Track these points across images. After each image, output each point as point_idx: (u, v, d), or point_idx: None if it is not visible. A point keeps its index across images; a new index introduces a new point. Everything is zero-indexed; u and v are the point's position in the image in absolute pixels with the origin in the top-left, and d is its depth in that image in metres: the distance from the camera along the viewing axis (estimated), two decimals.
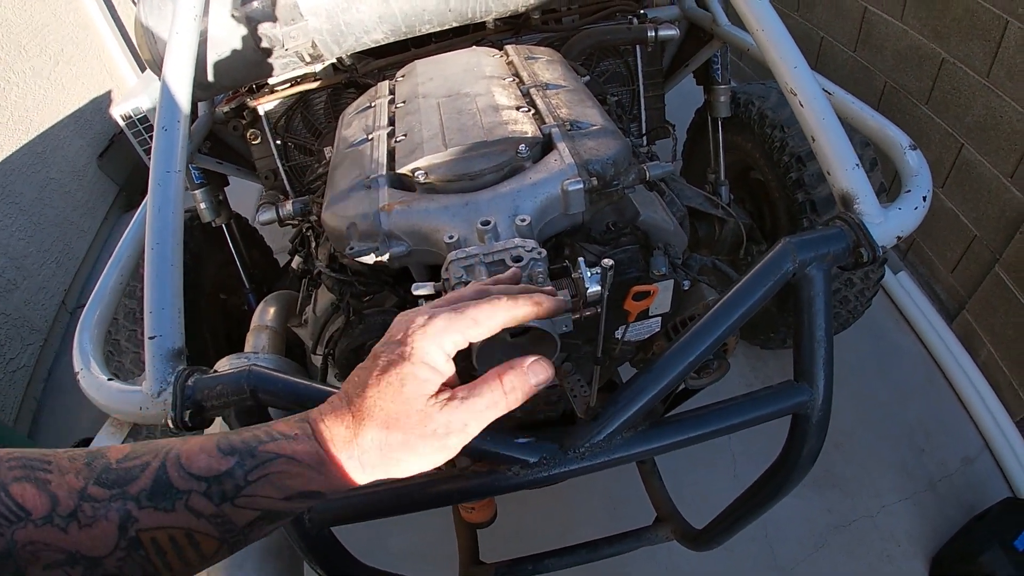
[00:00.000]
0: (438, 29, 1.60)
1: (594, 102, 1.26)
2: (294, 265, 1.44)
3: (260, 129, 1.81)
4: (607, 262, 0.91)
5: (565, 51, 1.73)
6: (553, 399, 1.39)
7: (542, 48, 1.51)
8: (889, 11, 2.54)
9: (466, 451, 0.92)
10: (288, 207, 1.88)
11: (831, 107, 1.08)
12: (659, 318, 1.30)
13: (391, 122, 1.29)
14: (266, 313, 1.60)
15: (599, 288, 0.92)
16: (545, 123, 1.15)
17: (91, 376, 1.10)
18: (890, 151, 1.16)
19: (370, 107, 1.38)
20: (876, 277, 1.97)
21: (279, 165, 1.86)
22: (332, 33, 1.47)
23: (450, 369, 0.60)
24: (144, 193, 1.89)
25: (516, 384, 0.62)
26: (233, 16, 1.45)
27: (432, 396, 0.57)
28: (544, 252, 0.91)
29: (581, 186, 1.02)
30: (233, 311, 2.19)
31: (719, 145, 2.08)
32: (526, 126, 1.13)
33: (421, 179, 1.08)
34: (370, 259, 1.09)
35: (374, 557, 1.15)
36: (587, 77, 1.50)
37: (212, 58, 1.45)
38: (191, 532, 0.52)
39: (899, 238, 1.00)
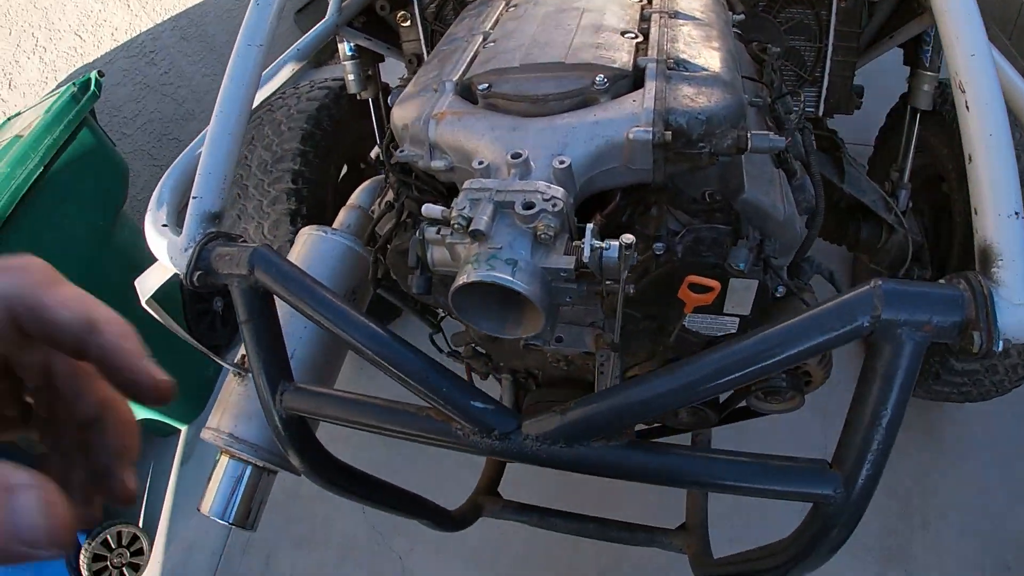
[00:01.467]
0: None
1: (724, 43, 1.01)
2: (372, 154, 1.36)
3: (411, 12, 1.71)
4: (627, 238, 0.73)
5: None
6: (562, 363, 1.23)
7: None
8: None
9: (425, 387, 0.81)
10: None
11: (1007, 122, 0.76)
12: (736, 319, 1.07)
13: (495, 26, 1.13)
14: (364, 193, 1.56)
15: (614, 260, 0.74)
16: (647, 55, 0.93)
17: (154, 218, 1.12)
18: None
19: (487, 7, 1.22)
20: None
21: (424, 51, 1.77)
22: None
23: None
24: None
25: None
26: None
27: None
28: (562, 205, 0.74)
29: (649, 138, 0.81)
30: None
31: (911, 141, 1.67)
32: (620, 54, 0.93)
33: (482, 91, 0.93)
34: (416, 165, 0.98)
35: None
36: (741, 16, 1.21)
37: None
38: None
39: None
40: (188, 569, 2.08)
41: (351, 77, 1.87)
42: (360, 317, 0.86)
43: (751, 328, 1.09)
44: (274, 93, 1.54)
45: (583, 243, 0.73)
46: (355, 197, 1.52)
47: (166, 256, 1.02)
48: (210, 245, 0.93)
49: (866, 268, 2.13)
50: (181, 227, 1.04)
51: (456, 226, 0.75)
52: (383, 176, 1.61)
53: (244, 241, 0.99)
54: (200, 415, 2.44)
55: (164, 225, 1.10)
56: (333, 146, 1.93)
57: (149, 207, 1.15)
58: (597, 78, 0.88)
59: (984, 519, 1.83)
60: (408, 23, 1.73)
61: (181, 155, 1.26)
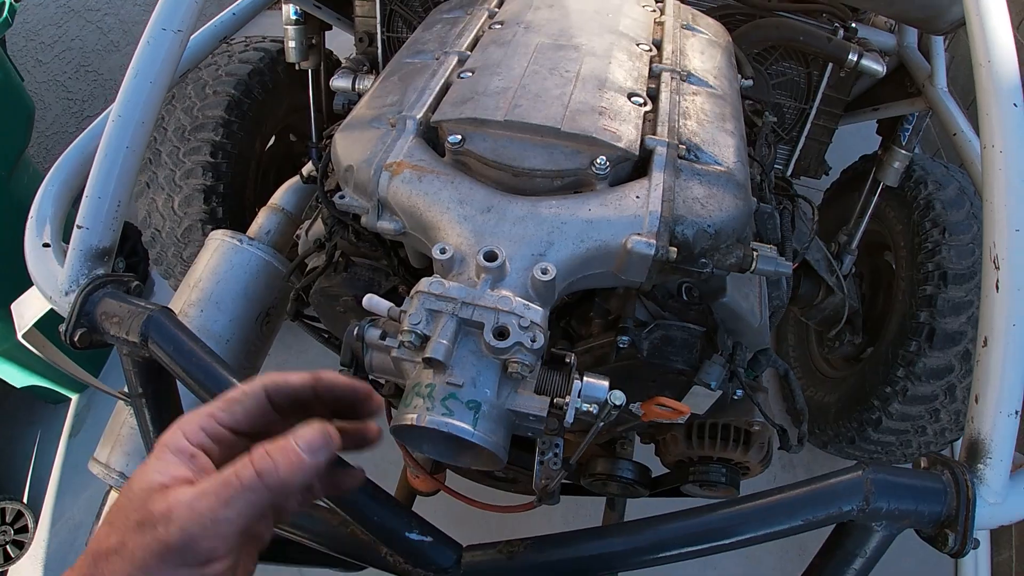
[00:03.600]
0: None
1: (738, 125, 0.83)
2: (304, 170, 1.11)
3: None
4: (617, 396, 0.55)
5: (743, 33, 1.24)
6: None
7: (710, 21, 1.04)
8: None
9: (352, 513, 0.64)
10: (366, 83, 1.53)
11: None
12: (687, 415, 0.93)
13: (473, 45, 0.89)
14: (290, 194, 1.29)
15: (593, 414, 0.57)
16: (655, 133, 0.74)
17: (34, 236, 0.86)
18: None
19: (464, 14, 0.97)
20: None
21: (378, 31, 1.49)
22: None
23: None
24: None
25: (271, 466, 0.40)
26: None
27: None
28: (542, 341, 0.55)
29: (650, 252, 0.63)
30: (297, 156, 1.90)
31: (867, 211, 1.57)
32: (626, 127, 0.73)
33: (453, 144, 0.71)
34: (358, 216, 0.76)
35: None
36: (750, 81, 1.03)
37: None
38: None
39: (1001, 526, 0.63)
40: (75, 549, 1.81)
41: (292, 44, 1.56)
42: None
43: (697, 421, 0.98)
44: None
45: (566, 402, 0.55)
46: (278, 197, 1.25)
47: (46, 289, 0.77)
48: (96, 295, 0.70)
49: (794, 320, 2.07)
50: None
51: (407, 343, 0.56)
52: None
53: (139, 284, 0.75)
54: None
55: (46, 245, 0.83)
56: (262, 117, 1.62)
57: (28, 219, 0.87)
58: (598, 160, 0.68)
59: None
60: None
61: (68, 150, 0.97)
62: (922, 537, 0.65)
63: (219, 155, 1.50)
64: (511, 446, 1.11)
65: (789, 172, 1.51)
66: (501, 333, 0.55)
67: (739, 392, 0.89)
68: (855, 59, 1.23)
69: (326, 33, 1.68)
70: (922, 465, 0.66)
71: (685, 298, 0.81)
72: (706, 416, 0.98)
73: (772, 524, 0.62)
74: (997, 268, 0.68)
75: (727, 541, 0.62)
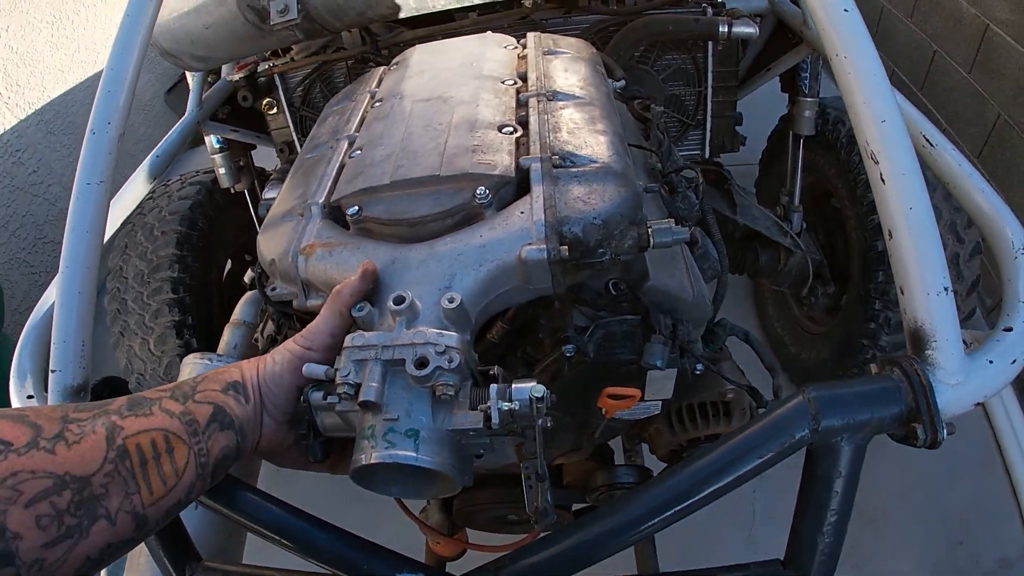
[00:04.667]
0: (457, 5, 1.26)
1: (610, 123, 0.91)
2: (246, 278, 1.20)
3: (276, 98, 1.55)
4: (537, 391, 0.62)
5: (616, 41, 1.36)
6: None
7: (571, 40, 1.15)
8: (1015, 34, 1.94)
9: (342, 567, 0.69)
10: None
11: (926, 193, 0.69)
12: (658, 402, 0.98)
13: (360, 125, 0.99)
14: (247, 306, 1.38)
15: (527, 412, 0.63)
16: (528, 153, 0.83)
17: (18, 391, 0.97)
18: (997, 249, 0.76)
19: (350, 101, 1.08)
20: (973, 240, 1.46)
21: (295, 138, 1.61)
22: (328, 6, 1.17)
23: None
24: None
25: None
26: None
27: None
28: (460, 359, 0.62)
29: (543, 256, 0.70)
30: None
31: (797, 165, 1.65)
32: (500, 155, 0.81)
33: (353, 216, 0.79)
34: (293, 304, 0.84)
35: None
36: (621, 82, 1.13)
37: (199, 28, 1.19)
38: (167, 434, 0.54)
39: (977, 403, 0.64)
40: None
41: (222, 171, 1.69)
42: (250, 493, 0.73)
43: (675, 406, 1.02)
44: (135, 211, 1.35)
45: (488, 406, 0.61)
46: (238, 312, 1.33)
47: None
48: None
49: (769, 291, 2.13)
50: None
51: (344, 394, 0.63)
52: None
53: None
54: None
55: (30, 396, 0.93)
56: (212, 245, 1.73)
57: (11, 379, 0.97)
58: (478, 191, 0.76)
59: (923, 504, 1.83)
60: (275, 110, 1.57)
61: (36, 309, 1.08)
62: (895, 439, 0.66)
63: (180, 290, 1.60)
64: (512, 486, 1.16)
65: (707, 153, 1.60)
66: (421, 363, 0.62)
67: (699, 367, 0.94)
68: (726, 30, 1.33)
69: (252, 153, 1.82)
70: (873, 371, 0.68)
71: (613, 293, 0.88)
72: (679, 400, 1.03)
73: (731, 471, 0.64)
74: (877, 163, 0.72)
75: (693, 500, 0.65)
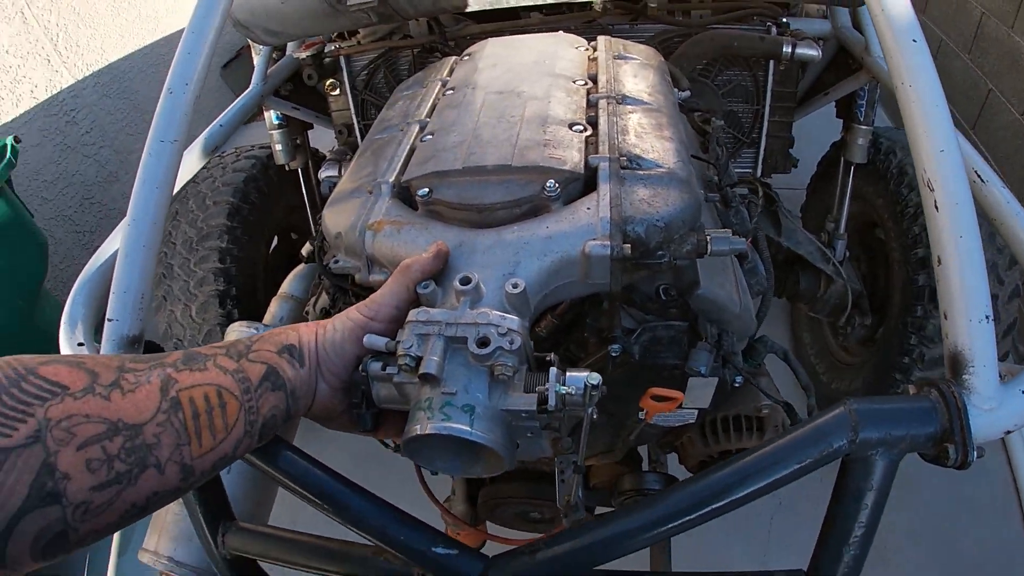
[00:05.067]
0: (537, 2, 1.29)
1: (676, 131, 0.94)
2: (304, 251, 1.24)
3: (340, 80, 1.60)
4: (593, 378, 0.64)
5: (679, 53, 1.38)
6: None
7: (641, 47, 1.17)
8: None
9: (380, 536, 0.71)
10: None
11: (976, 223, 0.71)
12: (694, 411, 1.00)
13: (431, 112, 1.03)
14: (296, 281, 1.42)
15: (579, 399, 0.65)
16: (597, 153, 0.85)
17: (68, 338, 0.99)
18: None
19: (421, 87, 1.12)
20: (1012, 283, 1.48)
21: (354, 121, 1.65)
22: None
23: None
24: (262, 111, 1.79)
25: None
26: None
27: None
28: (520, 341, 0.65)
29: (607, 252, 0.73)
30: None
31: (846, 193, 1.65)
32: (570, 152, 0.84)
33: (422, 197, 0.82)
34: (353, 277, 0.87)
35: None
36: (687, 92, 1.15)
37: (276, 2, 1.23)
38: (220, 389, 0.55)
39: (1008, 432, 0.66)
40: None
41: (279, 147, 1.74)
42: (296, 456, 0.75)
43: (709, 417, 1.04)
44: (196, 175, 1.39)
45: (547, 388, 0.64)
46: (286, 285, 1.38)
47: None
48: None
49: (805, 317, 2.13)
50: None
51: (404, 366, 0.65)
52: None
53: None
54: None
55: (80, 344, 0.96)
56: (262, 220, 1.78)
57: (62, 323, 1.00)
58: (547, 184, 0.79)
59: (938, 544, 1.82)
60: (337, 91, 1.62)
61: (92, 259, 1.10)
62: (926, 459, 0.68)
63: (227, 260, 1.64)
64: (540, 482, 1.18)
65: (759, 172, 1.61)
66: (483, 342, 0.64)
67: (738, 379, 0.96)
68: (790, 50, 1.34)
69: (309, 132, 1.86)
70: (911, 391, 0.70)
71: (664, 298, 0.90)
72: (714, 412, 1.04)
73: (769, 475, 0.65)
74: (932, 190, 0.74)
75: (729, 499, 0.66)
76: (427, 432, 0.62)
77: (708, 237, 0.80)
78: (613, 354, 0.86)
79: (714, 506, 0.66)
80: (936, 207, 0.74)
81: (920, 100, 0.79)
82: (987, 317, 0.70)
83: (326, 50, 1.56)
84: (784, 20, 1.42)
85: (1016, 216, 0.95)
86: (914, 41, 0.84)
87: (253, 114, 1.69)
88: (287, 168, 1.80)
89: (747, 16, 1.43)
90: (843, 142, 1.64)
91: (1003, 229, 0.96)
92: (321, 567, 0.75)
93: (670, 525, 0.68)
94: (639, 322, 0.90)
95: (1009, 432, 0.67)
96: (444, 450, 0.70)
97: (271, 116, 1.70)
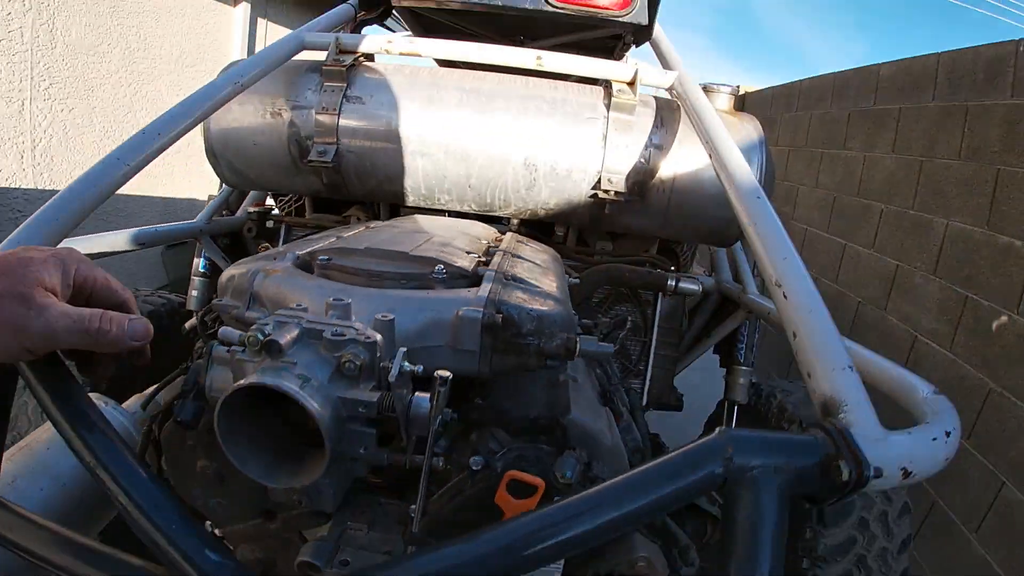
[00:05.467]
0: (458, 208, 1.52)
1: (560, 281, 1.07)
2: (187, 325, 1.23)
3: (274, 247, 1.74)
4: (442, 373, 0.65)
5: (580, 279, 1.60)
6: None
7: (543, 246, 1.38)
8: (939, 340, 2.39)
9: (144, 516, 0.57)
10: None
11: (821, 301, 0.82)
12: (560, 563, 0.91)
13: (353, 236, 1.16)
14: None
15: (425, 408, 0.65)
16: (487, 268, 0.96)
17: None
18: (908, 397, 0.84)
19: (348, 229, 1.27)
20: (902, 535, 1.44)
21: None
22: (357, 168, 1.43)
23: None
24: None
25: (107, 329, 0.58)
26: (277, 113, 1.42)
27: None
28: (376, 340, 0.66)
29: (478, 316, 0.79)
30: None
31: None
32: (462, 260, 0.95)
33: (321, 262, 0.89)
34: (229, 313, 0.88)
35: None
36: (576, 280, 1.33)
37: (249, 143, 1.42)
38: None
39: (906, 472, 0.63)
40: None
41: (195, 293, 1.78)
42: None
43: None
44: None
45: (392, 363, 0.64)
46: None
47: None
48: None
49: None
50: None
51: (251, 340, 0.62)
52: None
53: None
54: None
55: None
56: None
57: None
58: (436, 267, 0.88)
59: None
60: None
61: None
62: (821, 497, 0.61)
63: None
64: None
65: (645, 402, 1.72)
66: (338, 334, 0.65)
67: None
68: (674, 283, 1.57)
69: None
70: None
71: (533, 426, 0.91)
72: (585, 567, 0.96)
73: (638, 499, 0.57)
74: (780, 286, 0.86)
75: (585, 528, 0.55)
76: (251, 382, 0.58)
77: (577, 338, 0.87)
78: (474, 468, 0.84)
79: (580, 529, 0.55)
80: (785, 296, 0.84)
81: (765, 232, 0.94)
82: (849, 367, 0.71)
83: (273, 212, 1.73)
84: (672, 269, 1.69)
85: (870, 357, 1.02)
86: (757, 199, 1.02)
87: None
88: (195, 316, 1.81)
89: (641, 263, 1.70)
90: (726, 384, 1.81)
91: (864, 366, 0.99)
92: (60, 567, 0.58)
93: (519, 556, 0.52)
94: (502, 445, 0.90)
95: (908, 473, 0.63)
96: (259, 445, 0.63)
97: (198, 264, 1.78)
